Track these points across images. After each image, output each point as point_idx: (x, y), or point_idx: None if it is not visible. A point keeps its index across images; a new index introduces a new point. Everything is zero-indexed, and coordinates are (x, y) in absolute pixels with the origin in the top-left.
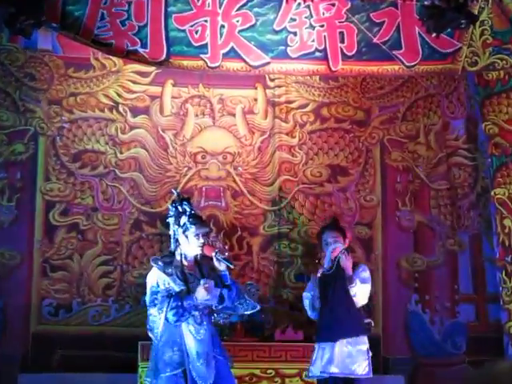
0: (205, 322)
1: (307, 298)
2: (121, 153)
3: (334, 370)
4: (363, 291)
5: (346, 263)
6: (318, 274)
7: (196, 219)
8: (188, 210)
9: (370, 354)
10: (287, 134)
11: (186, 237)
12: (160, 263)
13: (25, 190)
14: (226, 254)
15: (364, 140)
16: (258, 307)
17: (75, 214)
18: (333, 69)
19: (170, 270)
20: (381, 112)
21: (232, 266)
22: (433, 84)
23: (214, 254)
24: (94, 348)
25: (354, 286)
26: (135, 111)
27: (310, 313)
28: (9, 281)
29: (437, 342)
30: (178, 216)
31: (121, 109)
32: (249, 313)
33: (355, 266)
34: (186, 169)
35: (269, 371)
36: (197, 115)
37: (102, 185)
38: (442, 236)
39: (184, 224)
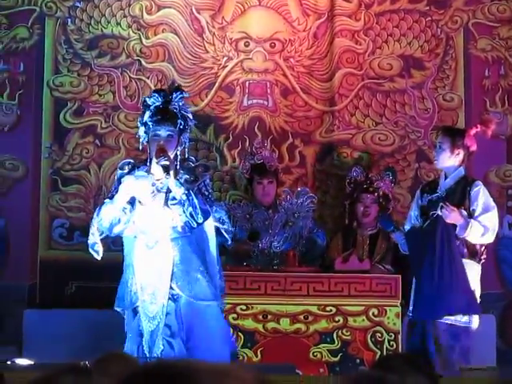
0: (160, 246)
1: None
2: (147, 38)
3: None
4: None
5: (450, 217)
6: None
7: (158, 115)
8: (154, 102)
9: None
10: (350, 17)
11: (148, 137)
12: (126, 168)
13: (29, 85)
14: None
15: (444, 25)
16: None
17: (92, 113)
18: None
19: (129, 176)
20: None
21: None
22: None
23: (156, 161)
24: (116, 279)
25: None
26: None
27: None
28: (11, 196)
29: None
30: (143, 112)
31: None
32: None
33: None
34: (225, 59)
35: (328, 308)
36: None
37: (124, 78)
38: None
39: (146, 122)
